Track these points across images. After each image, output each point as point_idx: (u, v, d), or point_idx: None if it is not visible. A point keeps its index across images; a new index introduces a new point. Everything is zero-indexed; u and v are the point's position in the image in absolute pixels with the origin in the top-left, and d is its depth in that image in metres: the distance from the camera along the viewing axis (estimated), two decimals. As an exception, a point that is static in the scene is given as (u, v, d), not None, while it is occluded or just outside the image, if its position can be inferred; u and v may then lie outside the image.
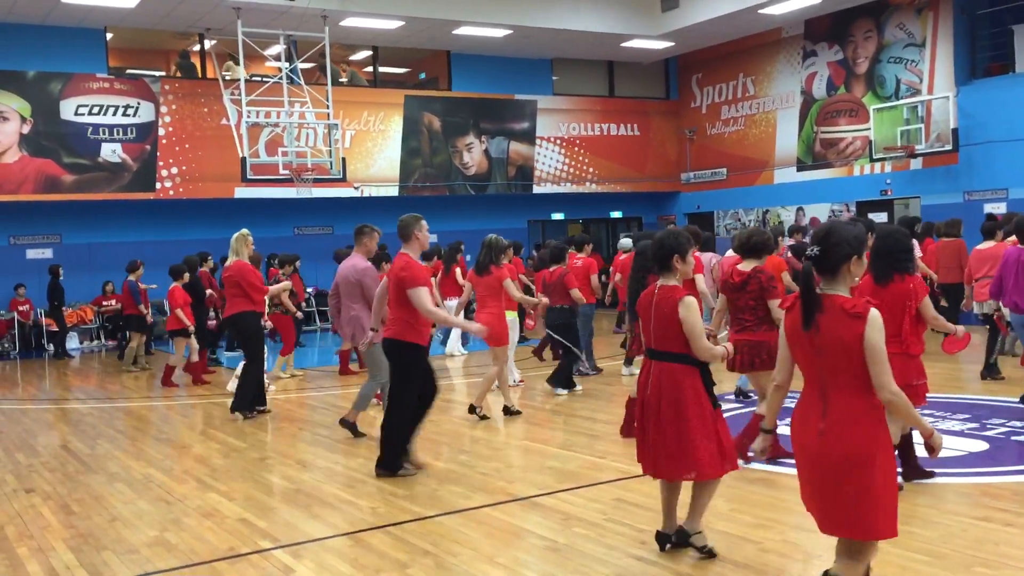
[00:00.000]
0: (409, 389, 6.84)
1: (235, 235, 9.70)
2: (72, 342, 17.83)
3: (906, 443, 6.11)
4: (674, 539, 4.97)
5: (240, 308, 9.57)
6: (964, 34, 17.56)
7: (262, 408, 9.89)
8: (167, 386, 12.26)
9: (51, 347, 17.12)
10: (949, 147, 17.07)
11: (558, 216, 22.70)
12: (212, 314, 14.50)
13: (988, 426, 7.70)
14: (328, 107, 16.98)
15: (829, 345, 3.52)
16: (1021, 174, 16.24)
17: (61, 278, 16.54)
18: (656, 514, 5.76)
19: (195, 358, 12.61)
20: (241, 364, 9.97)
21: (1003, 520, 5.34)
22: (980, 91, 17.13)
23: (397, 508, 6.14)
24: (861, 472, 3.47)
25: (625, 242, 12.88)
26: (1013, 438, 7.30)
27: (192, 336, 12.42)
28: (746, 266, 6.73)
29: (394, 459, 6.92)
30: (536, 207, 22.22)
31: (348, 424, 8.41)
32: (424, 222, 6.97)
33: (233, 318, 9.70)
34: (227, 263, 9.71)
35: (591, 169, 22.34)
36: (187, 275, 12.66)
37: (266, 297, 9.92)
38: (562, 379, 10.44)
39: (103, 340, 18.40)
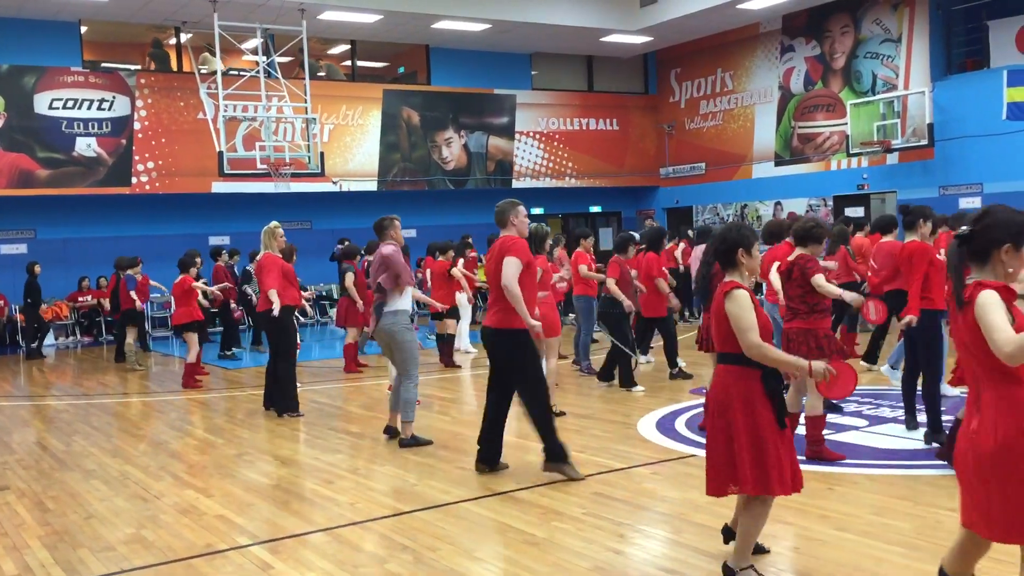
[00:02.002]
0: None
1: (264, 228, 9.59)
2: (47, 338, 17.66)
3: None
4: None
5: (265, 303, 9.37)
6: (939, 30, 17.71)
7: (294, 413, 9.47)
8: (188, 387, 11.73)
9: (26, 344, 16.92)
10: (925, 142, 17.22)
11: (538, 211, 22.67)
12: (233, 306, 14.73)
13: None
14: (306, 101, 16.91)
15: (967, 335, 3.26)
16: (995, 169, 16.41)
17: (38, 276, 16.30)
18: (636, 508, 5.79)
19: (191, 358, 12.03)
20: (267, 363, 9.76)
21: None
22: (955, 86, 17.29)
23: (376, 503, 6.13)
24: (1015, 467, 3.13)
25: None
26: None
27: (196, 333, 11.98)
28: (794, 255, 6.87)
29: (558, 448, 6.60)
30: (515, 202, 22.17)
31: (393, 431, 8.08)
32: (521, 207, 6.71)
33: (260, 313, 9.69)
34: (257, 257, 9.65)
35: (570, 164, 22.36)
36: (193, 269, 12.37)
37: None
38: (625, 378, 10.17)
39: (79, 336, 18.24)
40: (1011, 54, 16.72)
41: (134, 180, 17.62)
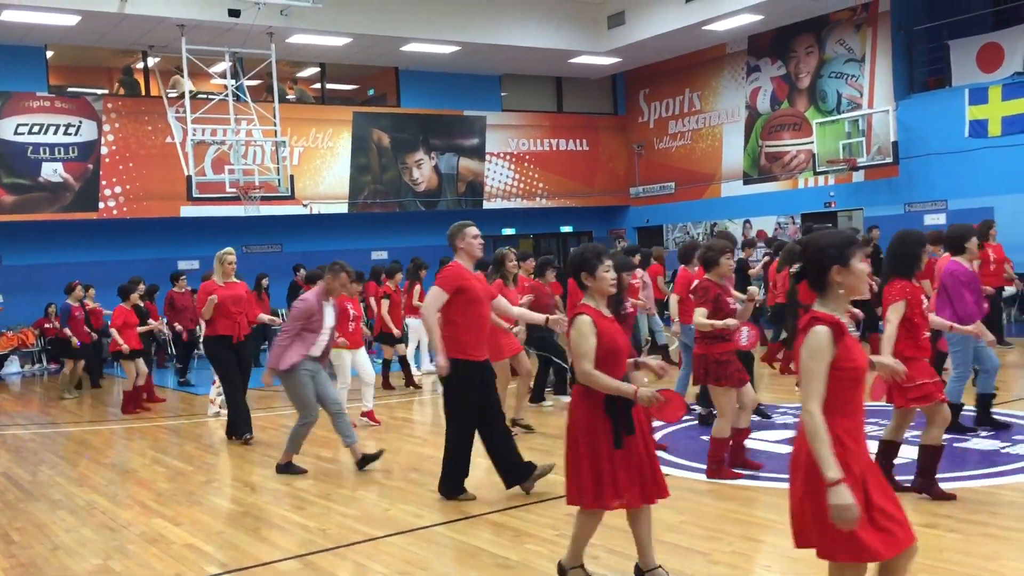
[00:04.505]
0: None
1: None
2: (13, 366, 17.41)
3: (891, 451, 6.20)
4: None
5: (206, 330, 9.45)
6: (902, 49, 18.00)
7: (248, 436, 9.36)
8: (127, 413, 11.75)
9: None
10: (890, 160, 17.46)
11: (509, 231, 22.75)
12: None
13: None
14: (275, 124, 16.87)
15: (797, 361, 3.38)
16: (959, 186, 16.67)
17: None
18: (606, 528, 5.77)
19: (139, 382, 12.05)
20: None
21: (947, 527, 5.43)
22: (918, 105, 17.56)
23: (348, 529, 6.08)
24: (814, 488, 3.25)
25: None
26: (955, 445, 7.44)
27: (136, 360, 11.99)
28: (696, 282, 6.97)
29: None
30: (487, 222, 22.06)
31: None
32: (471, 228, 6.57)
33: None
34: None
35: (541, 184, 22.45)
36: (135, 296, 12.32)
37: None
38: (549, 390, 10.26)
39: (45, 363, 17.99)
40: (972, 73, 17.01)
41: (101, 205, 17.46)
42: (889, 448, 6.25)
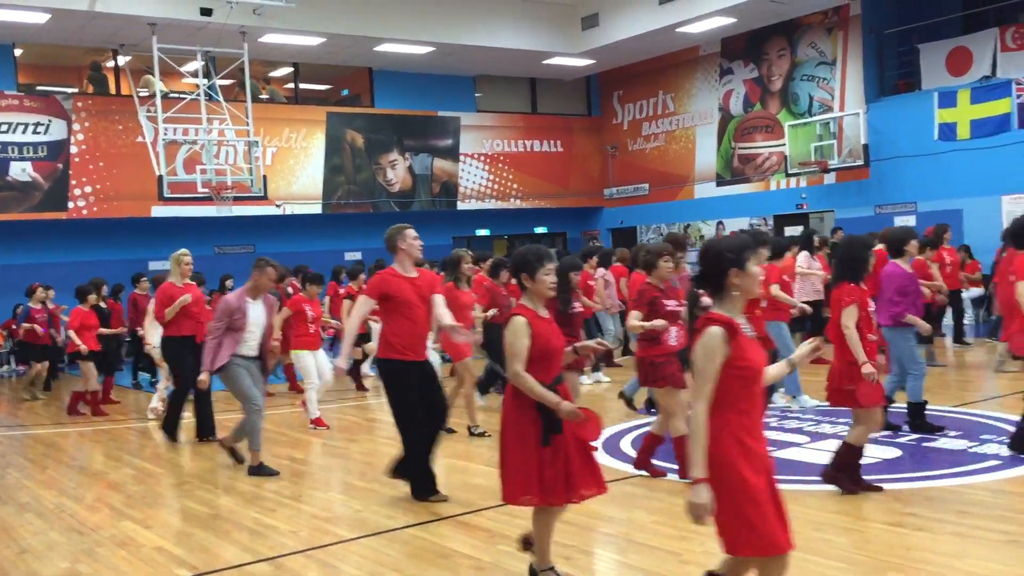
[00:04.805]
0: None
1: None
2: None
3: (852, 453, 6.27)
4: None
5: (167, 331, 9.45)
6: (872, 53, 18.18)
7: (211, 437, 9.33)
8: (71, 414, 11.69)
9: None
10: (860, 162, 17.62)
11: (483, 232, 22.74)
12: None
13: (901, 433, 7.92)
14: (248, 124, 16.76)
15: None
16: (929, 188, 16.85)
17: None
18: (580, 529, 5.79)
19: (92, 386, 11.75)
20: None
21: (914, 525, 5.49)
22: (889, 108, 17.74)
23: (320, 531, 6.05)
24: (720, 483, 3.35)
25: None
26: (924, 444, 7.53)
27: (92, 362, 11.72)
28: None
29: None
30: (461, 223, 22.22)
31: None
32: (410, 231, 6.69)
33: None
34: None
35: (515, 185, 22.46)
36: (93, 297, 12.15)
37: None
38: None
39: (13, 365, 17.75)
40: (941, 76, 17.21)
41: (71, 205, 17.27)
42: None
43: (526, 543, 4.77)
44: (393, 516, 6.27)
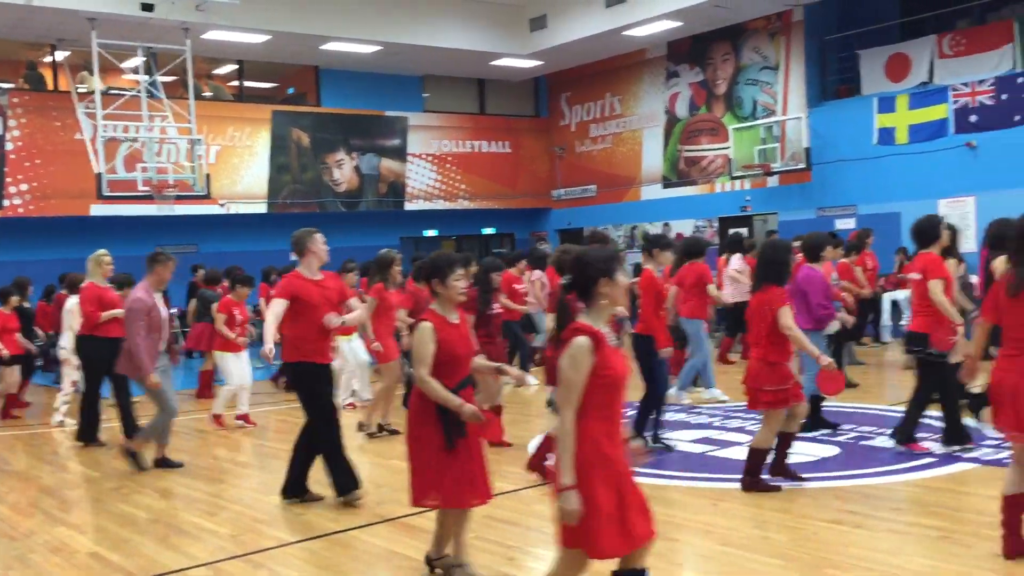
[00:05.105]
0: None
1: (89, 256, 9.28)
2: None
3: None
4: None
5: (87, 330, 9.12)
6: (815, 58, 18.48)
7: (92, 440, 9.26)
8: (4, 418, 11.35)
9: None
10: (803, 165, 17.90)
11: (431, 233, 22.66)
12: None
13: (840, 432, 8.07)
14: (191, 122, 16.48)
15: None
16: (869, 191, 17.17)
17: None
18: (524, 530, 5.79)
19: (11, 390, 11.36)
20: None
21: (852, 522, 5.59)
22: (830, 112, 18.05)
23: (260, 535, 5.96)
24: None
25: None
26: (862, 443, 7.67)
27: (14, 367, 11.21)
28: None
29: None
30: (408, 224, 22.11)
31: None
32: (318, 235, 6.68)
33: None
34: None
35: (463, 186, 22.42)
36: (15, 299, 11.69)
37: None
38: None
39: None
40: (881, 82, 17.55)
41: (6, 203, 16.82)
42: (784, 439, 6.49)
43: (431, 561, 4.96)
44: (335, 519, 6.22)
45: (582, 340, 3.46)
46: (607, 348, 3.51)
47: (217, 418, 9.99)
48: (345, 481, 6.53)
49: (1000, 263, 5.76)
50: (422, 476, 4.64)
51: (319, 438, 6.54)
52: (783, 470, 6.48)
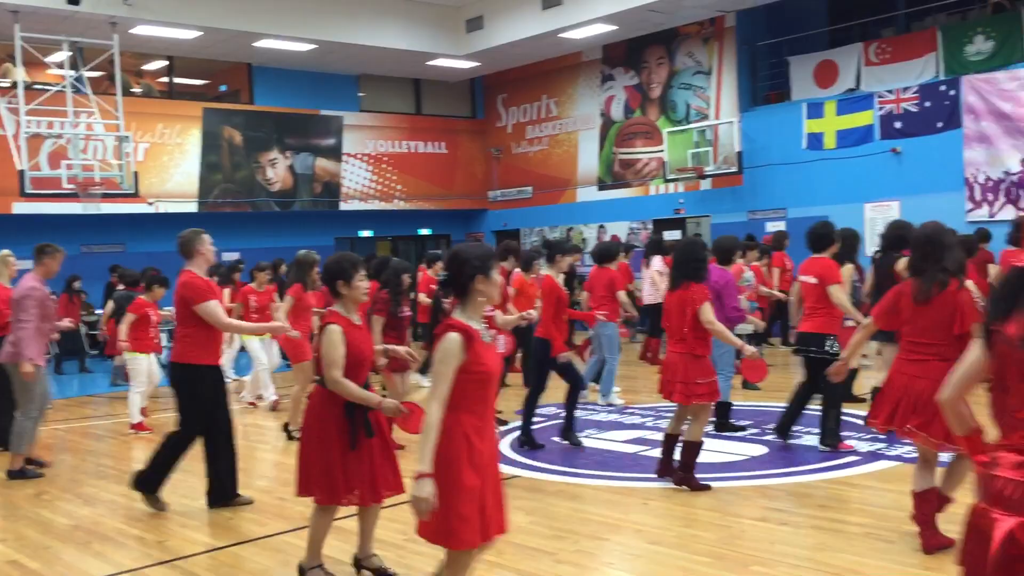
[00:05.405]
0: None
1: None
2: None
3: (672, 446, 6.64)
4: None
5: None
6: (746, 64, 18.80)
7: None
8: None
9: None
10: (735, 169, 18.19)
11: (367, 234, 22.49)
12: None
13: (767, 431, 8.21)
14: (118, 118, 16.10)
15: None
16: (798, 195, 17.52)
17: None
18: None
19: None
20: None
21: (778, 520, 5.69)
22: (761, 117, 18.38)
23: (187, 540, 5.85)
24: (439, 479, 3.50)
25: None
26: (789, 441, 7.82)
27: None
28: None
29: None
30: (344, 224, 21.91)
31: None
32: (207, 236, 6.55)
33: None
34: None
35: (399, 186, 22.30)
36: None
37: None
38: None
39: None
40: (810, 88, 17.93)
41: (-77, 200, 16.24)
42: (670, 440, 6.65)
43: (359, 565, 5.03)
44: (265, 523, 6.13)
45: (454, 336, 3.51)
46: (479, 344, 3.56)
47: (137, 426, 9.78)
48: (150, 481, 6.51)
49: (903, 265, 5.95)
50: (312, 472, 4.65)
51: (185, 441, 6.50)
52: (669, 471, 6.59)
